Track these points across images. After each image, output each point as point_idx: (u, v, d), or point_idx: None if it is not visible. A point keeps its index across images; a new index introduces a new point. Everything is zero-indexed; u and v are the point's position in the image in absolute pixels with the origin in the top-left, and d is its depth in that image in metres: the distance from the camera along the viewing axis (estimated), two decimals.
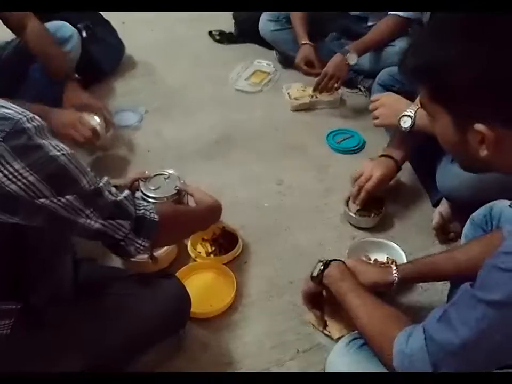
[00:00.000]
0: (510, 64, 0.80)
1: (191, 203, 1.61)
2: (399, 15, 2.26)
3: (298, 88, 2.50)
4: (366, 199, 1.77)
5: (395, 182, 1.91)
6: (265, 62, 2.75)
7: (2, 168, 0.87)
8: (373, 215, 1.79)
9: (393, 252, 1.65)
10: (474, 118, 0.84)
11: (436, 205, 1.83)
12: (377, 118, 1.81)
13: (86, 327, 1.16)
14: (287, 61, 2.71)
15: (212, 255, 1.69)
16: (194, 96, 2.53)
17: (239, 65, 2.73)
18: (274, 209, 1.89)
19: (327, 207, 1.90)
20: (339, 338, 1.34)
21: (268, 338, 1.47)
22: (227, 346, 1.44)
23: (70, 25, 2.19)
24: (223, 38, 3.00)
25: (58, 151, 0.94)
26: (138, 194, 1.67)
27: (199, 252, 1.69)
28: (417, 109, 1.64)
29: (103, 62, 2.52)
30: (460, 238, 1.47)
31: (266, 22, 2.66)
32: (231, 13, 3.00)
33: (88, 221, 1.01)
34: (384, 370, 1.00)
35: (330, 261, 1.32)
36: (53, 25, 2.14)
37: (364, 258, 1.62)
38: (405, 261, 1.58)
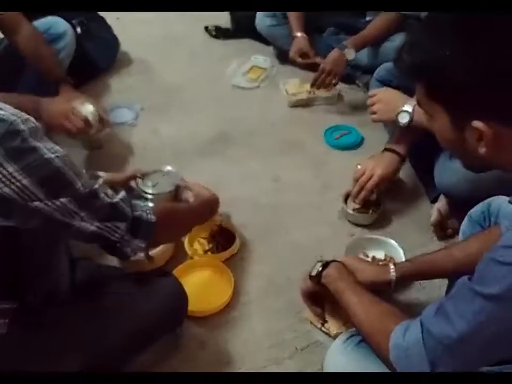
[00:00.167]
0: (506, 61, 0.80)
1: (190, 198, 1.61)
2: None
3: (295, 84, 2.49)
4: (367, 198, 1.76)
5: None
6: (262, 57, 2.73)
7: None
8: (370, 211, 1.79)
9: (391, 248, 1.65)
10: (471, 115, 0.84)
11: (433, 201, 1.83)
12: (375, 113, 1.80)
13: (83, 327, 1.15)
14: (284, 57, 2.69)
15: (209, 253, 1.69)
16: (191, 92, 2.52)
17: (235, 61, 2.72)
18: (272, 206, 1.89)
19: (325, 204, 1.90)
20: (337, 334, 1.34)
21: (266, 336, 1.46)
22: (225, 344, 1.44)
23: (64, 21, 2.18)
24: (219, 33, 2.98)
25: (53, 153, 0.94)
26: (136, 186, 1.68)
27: (196, 250, 1.68)
28: (415, 105, 1.63)
29: (98, 59, 2.51)
30: (458, 235, 1.47)
31: (263, 17, 2.65)
32: None
33: (83, 223, 1.00)
34: (382, 367, 1.00)
35: (329, 261, 1.32)
36: (46, 21, 2.13)
37: (362, 256, 1.62)
38: (403, 258, 1.59)
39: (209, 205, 1.52)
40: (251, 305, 1.55)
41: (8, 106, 0.93)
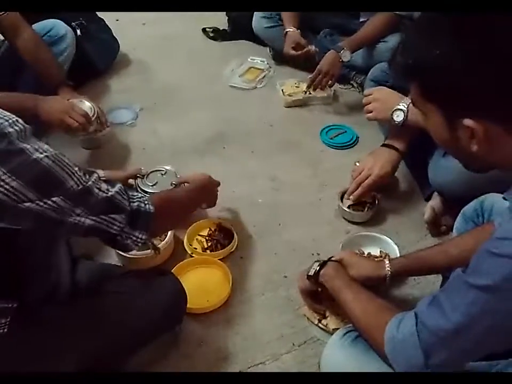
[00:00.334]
0: (495, 61, 0.81)
1: None
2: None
3: (292, 84, 2.52)
4: (362, 197, 1.79)
5: None
6: (259, 59, 2.75)
7: None
8: (366, 209, 1.81)
9: (386, 245, 1.67)
10: (463, 113, 0.85)
11: (427, 199, 1.85)
12: (370, 112, 1.81)
13: (83, 325, 1.16)
14: (281, 58, 2.72)
15: (207, 251, 1.71)
16: (189, 93, 2.53)
17: (233, 62, 2.74)
18: (269, 205, 1.91)
19: (321, 202, 1.92)
20: (335, 330, 1.36)
21: (264, 332, 1.49)
22: (223, 341, 1.46)
23: (64, 24, 2.19)
24: (217, 35, 3.00)
25: (41, 153, 0.93)
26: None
27: (195, 248, 1.71)
28: (409, 103, 1.65)
29: (97, 60, 2.52)
30: (452, 231, 1.49)
31: (259, 19, 2.67)
32: None
33: (78, 218, 1.00)
34: (379, 363, 1.02)
35: (326, 261, 1.35)
36: (47, 24, 2.15)
37: (358, 252, 1.64)
38: (398, 254, 1.61)
39: (205, 187, 1.55)
40: (249, 302, 1.57)
41: None
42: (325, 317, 1.47)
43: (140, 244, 1.15)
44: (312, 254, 1.69)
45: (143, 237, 1.14)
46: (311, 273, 1.34)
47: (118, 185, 1.10)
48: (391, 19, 2.30)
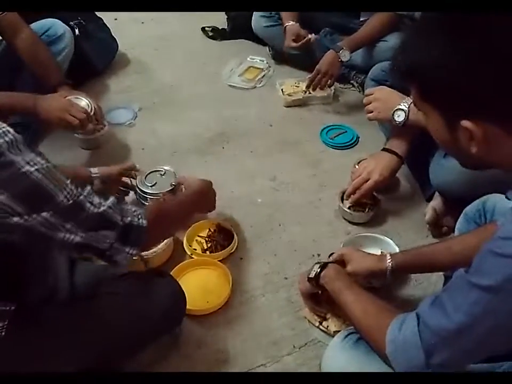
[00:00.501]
0: (493, 62, 0.81)
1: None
2: None
3: (291, 84, 2.51)
4: (360, 200, 1.79)
5: None
6: (259, 58, 2.74)
7: None
8: (367, 210, 1.80)
9: (387, 246, 1.66)
10: (461, 115, 0.85)
11: (429, 199, 1.85)
12: (371, 112, 1.81)
13: (82, 328, 1.15)
14: (280, 57, 2.71)
15: (207, 252, 1.70)
16: (188, 93, 2.52)
17: (232, 61, 2.73)
18: (269, 205, 1.90)
19: (321, 203, 1.91)
20: (336, 332, 1.35)
21: (264, 334, 1.48)
22: (223, 342, 1.45)
23: (63, 23, 2.18)
24: (216, 34, 2.99)
25: (32, 166, 0.91)
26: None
27: (195, 249, 1.69)
28: (410, 103, 1.65)
29: (96, 60, 2.51)
30: (453, 232, 1.48)
31: (259, 18, 2.66)
32: None
33: (68, 235, 0.98)
34: (380, 365, 1.01)
35: (326, 263, 1.34)
36: (45, 23, 2.13)
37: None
38: None
39: (202, 194, 1.51)
40: (249, 304, 1.56)
41: None
42: (325, 319, 1.46)
43: (129, 259, 1.12)
44: (313, 255, 1.69)
45: (134, 252, 1.11)
46: (312, 275, 1.34)
47: (111, 199, 1.07)
48: (390, 18, 2.29)
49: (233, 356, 1.42)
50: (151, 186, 1.75)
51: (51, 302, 1.16)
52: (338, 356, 1.15)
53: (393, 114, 1.70)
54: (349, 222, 1.82)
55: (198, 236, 1.75)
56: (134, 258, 1.16)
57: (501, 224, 1.12)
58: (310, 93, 2.40)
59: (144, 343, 1.31)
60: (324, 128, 2.26)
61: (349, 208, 1.80)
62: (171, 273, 1.54)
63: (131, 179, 1.76)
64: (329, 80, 2.32)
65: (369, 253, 1.58)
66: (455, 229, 1.44)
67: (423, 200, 1.89)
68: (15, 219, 0.90)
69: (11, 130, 0.91)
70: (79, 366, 1.13)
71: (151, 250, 1.54)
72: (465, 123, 0.84)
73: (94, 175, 1.62)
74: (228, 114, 2.37)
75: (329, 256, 1.53)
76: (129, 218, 1.09)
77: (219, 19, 3.01)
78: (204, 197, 1.55)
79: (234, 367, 1.40)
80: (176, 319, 1.39)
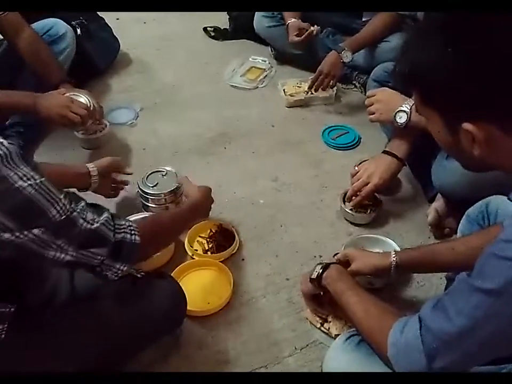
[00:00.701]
0: (492, 63, 0.81)
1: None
2: None
3: (293, 84, 2.51)
4: (360, 204, 1.79)
5: None
6: (261, 58, 2.74)
7: None
8: (369, 211, 1.80)
9: (389, 247, 1.64)
10: (462, 117, 0.85)
11: (431, 200, 1.84)
12: (373, 113, 1.81)
13: (82, 330, 1.15)
14: (282, 57, 2.71)
15: (208, 253, 1.69)
16: (190, 93, 2.52)
17: (234, 61, 2.73)
18: (270, 205, 1.90)
19: (323, 204, 1.91)
20: (337, 335, 1.35)
21: (265, 335, 1.47)
22: (224, 344, 1.45)
23: (64, 23, 2.17)
24: (217, 34, 2.99)
25: (25, 181, 0.89)
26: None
27: (196, 250, 1.69)
28: (412, 104, 1.65)
29: (98, 60, 2.51)
30: (455, 234, 1.48)
31: (261, 18, 2.65)
32: None
33: (58, 254, 0.97)
34: (382, 367, 1.01)
35: (329, 263, 1.34)
36: (47, 22, 2.13)
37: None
38: None
39: (198, 206, 1.48)
40: (250, 305, 1.56)
41: None
42: (327, 321, 1.45)
43: (120, 275, 1.11)
44: (314, 256, 1.68)
45: (124, 269, 1.10)
46: (314, 276, 1.33)
47: (105, 215, 1.06)
48: (392, 19, 2.29)
49: (234, 357, 1.42)
50: (152, 186, 1.74)
51: (51, 304, 1.16)
52: (340, 357, 1.15)
53: (395, 116, 1.70)
54: (351, 223, 1.82)
55: (199, 237, 1.74)
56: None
57: (507, 225, 1.12)
58: (312, 93, 2.39)
59: (144, 344, 1.31)
60: (326, 129, 2.26)
61: (350, 209, 1.80)
62: (172, 274, 1.54)
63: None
64: (331, 81, 2.32)
65: (372, 251, 1.59)
66: (458, 231, 1.43)
67: (425, 202, 1.89)
68: (6, 235, 0.89)
69: (4, 142, 0.89)
70: (79, 367, 1.12)
71: None
72: (467, 125, 0.84)
73: (92, 170, 1.62)
74: (230, 114, 2.37)
75: (333, 256, 1.53)
76: (122, 235, 1.07)
77: (221, 19, 3.01)
78: (201, 208, 1.52)
79: (235, 368, 1.39)
80: (177, 321, 1.38)
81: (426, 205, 1.86)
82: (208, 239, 1.73)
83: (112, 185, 1.77)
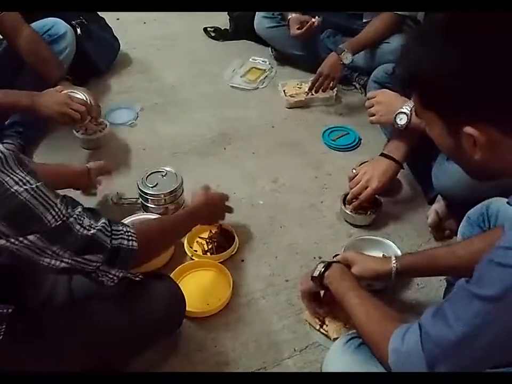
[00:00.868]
0: (492, 66, 0.81)
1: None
2: (393, 12, 2.25)
3: (294, 85, 2.50)
4: (360, 207, 1.78)
5: None
6: (261, 59, 2.74)
7: None
8: (369, 212, 1.80)
9: (389, 249, 1.65)
10: (463, 121, 0.84)
11: (431, 202, 1.84)
12: (373, 115, 1.81)
13: (80, 331, 1.14)
14: (282, 58, 2.71)
15: (208, 254, 1.69)
16: (190, 93, 2.52)
17: (234, 62, 2.73)
18: (270, 207, 1.89)
19: (323, 205, 1.90)
20: (336, 338, 1.35)
21: (264, 337, 1.47)
22: (223, 345, 1.44)
23: (64, 23, 2.17)
24: (218, 34, 2.99)
25: (21, 185, 0.89)
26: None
27: (196, 250, 1.69)
28: (413, 106, 1.64)
29: (98, 60, 2.50)
30: (456, 236, 1.47)
31: (261, 19, 2.65)
32: None
33: (53, 261, 0.96)
34: (381, 370, 1.00)
35: (331, 262, 1.33)
36: (47, 22, 2.13)
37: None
38: None
39: (197, 214, 1.46)
40: (250, 306, 1.55)
41: None
42: (325, 323, 1.45)
43: (116, 281, 1.10)
44: (314, 258, 1.68)
45: (120, 275, 1.09)
46: (316, 274, 1.33)
47: (103, 221, 1.05)
48: (393, 20, 2.29)
49: (233, 358, 1.41)
50: (152, 187, 1.74)
51: (49, 305, 1.15)
52: (340, 360, 1.14)
53: (395, 118, 1.70)
54: (351, 224, 1.81)
55: (199, 237, 1.74)
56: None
57: (507, 228, 1.11)
58: (312, 94, 2.39)
59: (143, 346, 1.30)
60: (326, 130, 2.26)
61: (350, 210, 1.79)
62: (171, 274, 1.53)
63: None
64: (331, 83, 2.31)
65: (372, 256, 1.59)
66: (458, 233, 1.43)
67: (425, 203, 1.88)
68: (1, 242, 0.89)
69: (1, 147, 0.89)
70: (77, 368, 1.12)
71: None
72: (469, 129, 0.83)
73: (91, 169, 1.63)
74: (230, 115, 2.37)
75: (333, 257, 1.52)
76: (119, 241, 1.06)
77: (221, 20, 3.01)
78: (200, 213, 1.48)
79: (234, 370, 1.39)
80: (176, 322, 1.38)
81: (426, 207, 1.85)
82: (207, 240, 1.73)
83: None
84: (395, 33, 2.33)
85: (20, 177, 0.90)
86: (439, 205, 1.77)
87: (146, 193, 1.74)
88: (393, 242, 1.67)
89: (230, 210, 1.67)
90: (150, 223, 1.27)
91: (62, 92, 1.84)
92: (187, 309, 1.38)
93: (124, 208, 1.82)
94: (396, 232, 1.79)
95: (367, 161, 1.86)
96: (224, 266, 1.62)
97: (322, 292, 1.42)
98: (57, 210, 0.94)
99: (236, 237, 1.71)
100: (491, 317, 0.81)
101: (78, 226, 0.98)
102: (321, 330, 1.45)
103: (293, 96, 2.44)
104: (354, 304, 1.14)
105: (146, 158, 2.09)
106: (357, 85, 2.51)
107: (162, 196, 1.73)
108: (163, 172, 1.80)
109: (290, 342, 1.45)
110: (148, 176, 1.78)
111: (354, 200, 1.79)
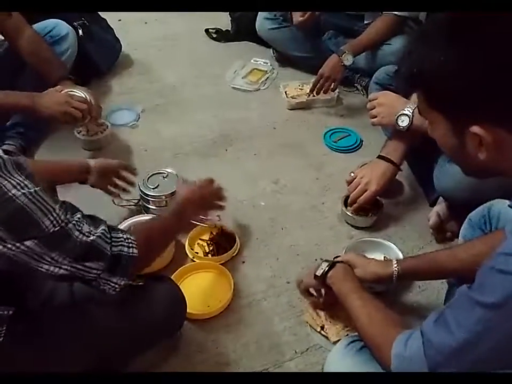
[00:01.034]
0: (498, 65, 0.80)
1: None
2: (394, 13, 2.25)
3: (295, 86, 2.50)
4: (358, 209, 1.78)
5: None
6: (262, 60, 2.74)
7: None
8: (370, 214, 1.79)
9: (390, 251, 1.65)
10: (470, 121, 0.84)
11: (432, 204, 1.84)
12: (375, 117, 1.80)
13: (80, 333, 1.14)
14: (284, 59, 2.71)
15: (209, 255, 1.69)
16: (191, 94, 2.52)
17: (236, 63, 2.73)
18: (271, 208, 1.89)
19: (324, 206, 1.90)
20: (336, 342, 1.35)
21: (265, 339, 1.46)
22: (224, 347, 1.44)
23: (66, 24, 2.17)
24: (219, 36, 2.99)
25: (19, 189, 0.88)
26: None
27: (197, 252, 1.69)
28: (414, 108, 1.65)
29: (99, 61, 2.50)
30: (457, 238, 1.47)
31: (263, 20, 2.64)
32: None
33: (52, 267, 0.95)
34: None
35: (335, 262, 1.33)
36: (48, 23, 2.13)
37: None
38: None
39: (184, 207, 1.38)
40: (251, 308, 1.55)
41: None
42: (323, 328, 1.45)
43: (118, 289, 1.08)
44: (315, 259, 1.67)
45: (122, 283, 1.08)
46: (319, 273, 1.33)
47: (102, 227, 1.03)
48: (394, 21, 2.28)
49: (234, 360, 1.41)
50: (153, 188, 1.74)
51: (50, 307, 1.15)
52: (341, 362, 1.13)
53: (397, 120, 1.70)
54: (352, 226, 1.81)
55: (200, 239, 1.74)
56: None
57: (508, 232, 1.11)
58: (313, 95, 2.38)
59: (144, 347, 1.30)
60: (328, 131, 2.25)
61: (352, 212, 1.79)
62: (172, 276, 1.53)
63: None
64: (332, 84, 2.31)
65: (374, 259, 1.58)
66: (459, 235, 1.42)
67: (426, 205, 1.88)
68: None
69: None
70: (77, 370, 1.12)
71: None
72: (475, 129, 0.83)
73: (91, 168, 1.59)
74: (231, 116, 2.36)
75: (334, 258, 1.52)
76: (119, 248, 1.05)
77: (223, 21, 3.01)
78: (188, 206, 1.39)
79: (234, 371, 1.38)
80: (177, 324, 1.37)
81: (428, 209, 1.85)
82: (208, 242, 1.73)
83: (117, 182, 1.71)
84: (396, 34, 2.33)
85: (18, 181, 0.89)
86: (440, 207, 1.76)
87: (147, 195, 1.74)
88: (394, 244, 1.67)
89: (220, 197, 1.57)
90: (141, 229, 1.21)
91: (62, 91, 1.84)
92: (188, 310, 1.38)
93: (124, 210, 1.81)
94: (397, 234, 1.79)
95: (365, 164, 1.86)
96: (225, 268, 1.62)
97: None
98: (55, 215, 0.93)
99: (237, 239, 1.71)
100: (492, 324, 0.81)
101: (77, 233, 0.97)
102: (322, 332, 1.45)
103: (295, 98, 2.44)
104: (357, 306, 1.14)
105: (147, 159, 2.09)
106: (359, 87, 2.51)
107: (164, 197, 1.73)
108: (164, 173, 1.80)
109: (291, 343, 1.45)
110: (149, 178, 1.78)
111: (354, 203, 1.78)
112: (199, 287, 1.59)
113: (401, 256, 1.61)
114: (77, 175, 1.59)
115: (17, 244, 0.89)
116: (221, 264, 1.64)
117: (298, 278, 1.48)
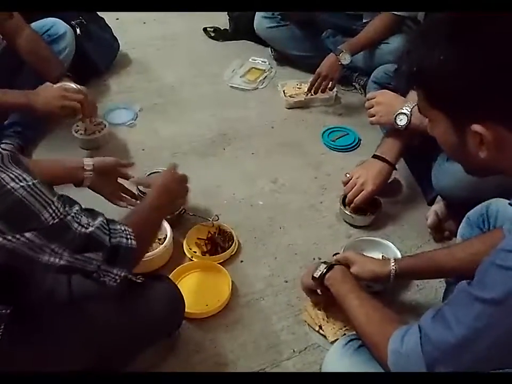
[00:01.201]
0: (499, 63, 0.80)
1: None
2: (392, 13, 2.25)
3: (293, 85, 2.50)
4: (357, 209, 1.79)
5: (390, 180, 1.90)
6: (261, 59, 2.74)
7: None
8: (368, 213, 1.79)
9: (388, 250, 1.65)
10: (471, 119, 0.84)
11: (430, 203, 1.83)
12: (373, 115, 1.80)
13: (79, 331, 1.14)
14: (282, 58, 2.71)
15: (207, 254, 1.68)
16: (189, 93, 2.52)
17: (234, 62, 2.73)
18: (269, 207, 1.89)
19: (322, 206, 1.90)
20: (334, 342, 1.35)
21: (264, 338, 1.46)
22: (222, 346, 1.44)
23: (64, 23, 2.17)
24: (217, 34, 2.98)
25: (18, 182, 0.88)
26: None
27: (195, 252, 1.68)
28: (413, 107, 1.65)
29: (97, 60, 2.49)
30: (455, 237, 1.47)
31: (261, 19, 2.64)
32: None
33: (52, 258, 0.95)
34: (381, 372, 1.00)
35: (333, 264, 1.33)
36: (46, 22, 2.13)
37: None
38: None
39: (166, 190, 1.36)
40: (249, 307, 1.55)
41: None
42: (321, 328, 1.45)
43: (118, 281, 1.08)
44: (314, 259, 1.67)
45: (122, 274, 1.08)
46: (317, 274, 1.33)
47: (100, 219, 1.04)
48: (392, 21, 2.28)
49: (232, 359, 1.41)
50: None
51: (49, 305, 1.14)
52: (339, 362, 1.14)
53: (395, 118, 1.70)
54: (350, 225, 1.81)
55: (198, 238, 1.73)
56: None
57: (506, 230, 1.11)
58: (311, 94, 2.38)
59: (142, 346, 1.29)
60: (326, 130, 2.25)
61: (350, 211, 1.79)
62: (170, 275, 1.53)
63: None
64: (330, 83, 2.31)
65: (372, 257, 1.59)
66: (458, 234, 1.43)
67: (425, 204, 1.88)
68: None
69: None
70: (76, 368, 1.12)
71: (148, 254, 1.51)
72: (476, 127, 0.83)
73: (87, 167, 1.54)
74: (229, 115, 2.36)
75: (333, 256, 1.52)
76: (117, 239, 1.05)
77: (221, 20, 3.01)
78: (169, 189, 1.37)
79: (232, 371, 1.38)
80: (175, 323, 1.37)
81: (426, 208, 1.85)
82: (206, 241, 1.72)
83: (121, 193, 1.69)
84: (394, 33, 2.33)
85: (16, 174, 0.89)
86: (438, 206, 1.76)
87: (145, 194, 1.73)
88: (392, 243, 1.67)
89: (185, 180, 1.52)
90: (133, 219, 1.18)
91: (55, 86, 1.84)
92: (186, 310, 1.38)
93: (122, 208, 1.80)
94: (395, 233, 1.79)
95: (363, 163, 1.86)
96: (223, 267, 1.61)
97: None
98: (54, 208, 0.93)
99: (235, 238, 1.71)
100: (492, 320, 0.81)
101: (75, 225, 0.97)
102: (321, 331, 1.45)
103: (293, 97, 2.43)
104: (354, 305, 1.15)
105: (145, 158, 2.09)
106: (357, 86, 2.50)
107: None
108: (161, 172, 1.79)
109: (289, 343, 1.45)
110: (147, 177, 1.77)
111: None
112: (197, 286, 1.58)
113: (399, 255, 1.61)
114: (73, 175, 1.58)
115: (17, 236, 0.89)
116: (219, 263, 1.64)
117: (303, 276, 1.48)
